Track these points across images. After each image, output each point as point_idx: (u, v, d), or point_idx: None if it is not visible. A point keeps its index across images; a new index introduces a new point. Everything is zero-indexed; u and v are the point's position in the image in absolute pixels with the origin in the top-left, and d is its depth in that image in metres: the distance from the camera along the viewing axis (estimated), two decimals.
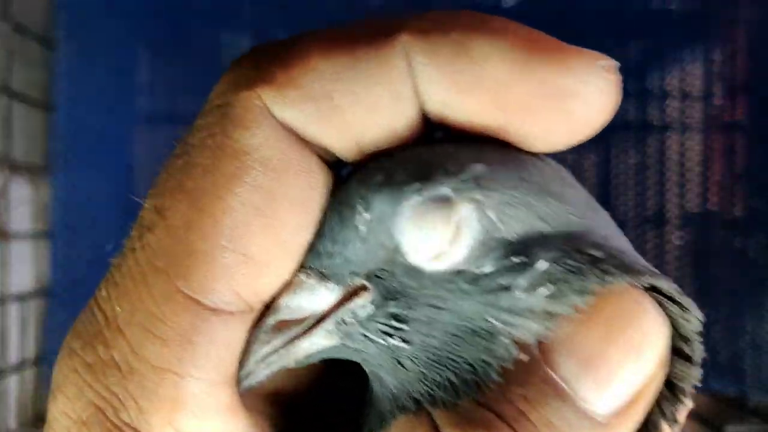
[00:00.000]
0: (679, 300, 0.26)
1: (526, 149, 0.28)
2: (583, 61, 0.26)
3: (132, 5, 0.85)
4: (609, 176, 0.88)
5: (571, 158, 0.85)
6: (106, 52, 0.86)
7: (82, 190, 0.86)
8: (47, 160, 0.91)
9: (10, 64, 0.85)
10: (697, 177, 0.88)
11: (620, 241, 0.28)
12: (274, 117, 0.27)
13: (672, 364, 0.26)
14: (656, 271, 0.27)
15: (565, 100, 0.26)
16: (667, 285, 0.26)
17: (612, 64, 0.27)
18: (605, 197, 0.89)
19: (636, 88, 0.89)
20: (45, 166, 0.91)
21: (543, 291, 0.26)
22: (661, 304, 0.26)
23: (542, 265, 0.26)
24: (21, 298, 0.89)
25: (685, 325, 0.26)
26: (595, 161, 0.88)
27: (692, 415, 0.86)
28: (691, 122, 0.88)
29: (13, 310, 0.88)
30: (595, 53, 0.27)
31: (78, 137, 0.86)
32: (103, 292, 0.27)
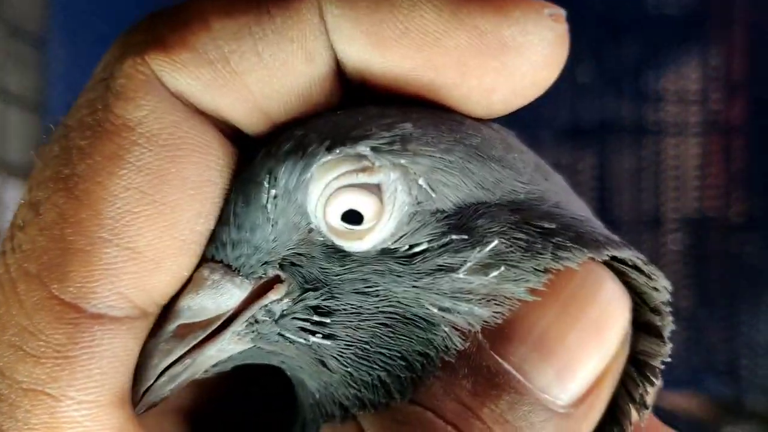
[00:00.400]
0: (644, 269, 0.23)
1: (464, 113, 0.24)
2: (527, 9, 0.23)
3: (126, 8, 0.85)
4: (605, 180, 0.88)
5: (566, 161, 0.85)
6: (100, 54, 0.85)
7: None
8: None
9: (4, 67, 0.85)
10: (693, 180, 0.87)
11: (575, 207, 0.25)
12: (164, 86, 0.23)
13: (638, 340, 0.24)
14: (616, 239, 0.24)
15: (506, 53, 0.23)
16: (629, 254, 0.23)
17: (560, 12, 0.23)
18: (601, 201, 0.89)
19: (632, 90, 0.87)
20: None
21: (491, 272, 0.22)
22: (623, 275, 0.23)
23: (489, 242, 0.22)
24: None
25: (653, 296, 0.24)
26: (590, 165, 0.88)
27: (688, 418, 0.86)
28: (688, 125, 0.88)
29: None
30: (540, 1, 0.23)
31: None
32: None
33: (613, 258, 0.23)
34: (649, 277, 0.23)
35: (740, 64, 0.89)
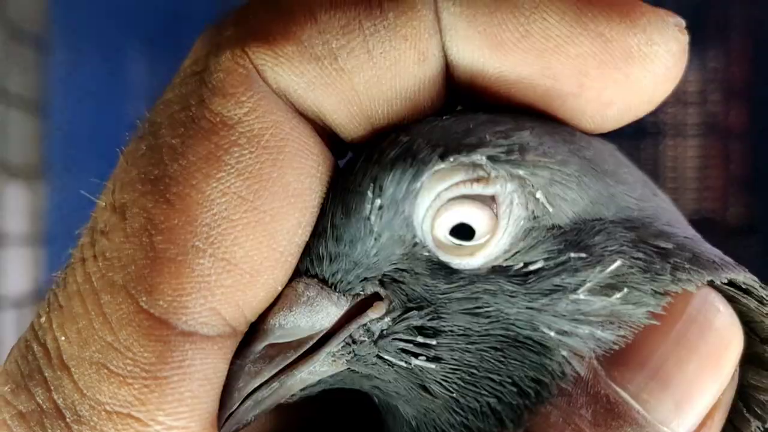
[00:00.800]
0: (756, 294, 0.22)
1: (574, 126, 0.23)
2: (654, 17, 0.21)
3: (126, 9, 0.85)
4: None
5: None
6: (100, 56, 0.85)
7: (78, 194, 0.86)
8: (43, 164, 0.91)
9: (5, 68, 0.85)
10: (692, 182, 0.87)
11: (685, 227, 0.23)
12: (265, 82, 0.21)
13: (745, 373, 0.22)
14: (730, 260, 0.22)
15: (630, 64, 0.21)
16: (744, 277, 0.22)
17: (683, 23, 0.22)
18: None
19: None
20: (41, 170, 0.90)
21: (614, 294, 0.21)
22: (733, 299, 0.22)
23: (612, 261, 0.21)
24: (17, 303, 0.88)
25: (765, 326, 0.22)
26: None
27: None
28: (687, 127, 0.87)
29: (10, 316, 0.87)
30: (664, 10, 0.22)
31: (73, 141, 0.86)
32: (42, 319, 0.21)
33: (729, 282, 0.22)
34: (761, 302, 0.22)
35: (739, 67, 0.89)
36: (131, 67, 0.88)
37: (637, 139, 0.87)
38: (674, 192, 0.86)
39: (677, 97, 0.88)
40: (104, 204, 0.21)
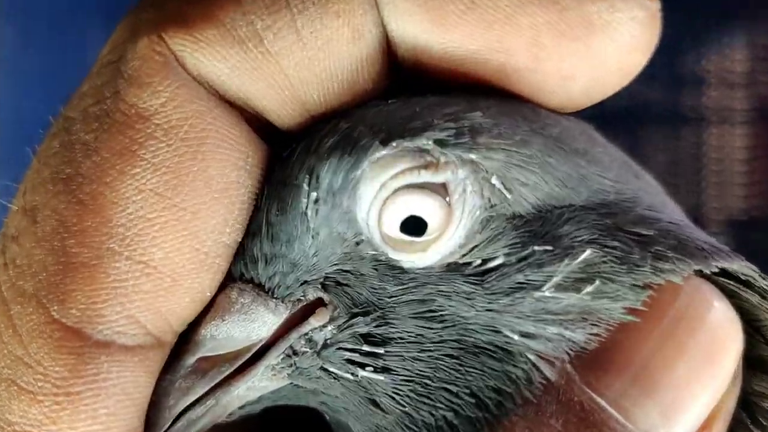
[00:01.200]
0: (758, 285, 0.20)
1: (537, 103, 0.21)
2: None
3: None
4: None
5: None
6: (54, 32, 0.79)
7: None
8: None
9: None
10: (739, 176, 0.80)
11: (670, 210, 0.22)
12: (185, 69, 0.22)
13: (749, 378, 0.21)
14: (723, 247, 0.21)
15: (590, 34, 0.21)
16: (739, 266, 0.20)
17: None
18: None
19: (666, 73, 0.80)
20: None
21: (584, 287, 0.21)
22: (729, 292, 0.21)
23: (580, 252, 0.20)
24: None
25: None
26: None
27: None
28: (733, 112, 0.80)
29: None
30: None
31: (24, 131, 0.80)
32: None
33: (722, 272, 0.21)
34: (763, 295, 0.21)
35: None
36: (89, 49, 0.82)
37: (675, 126, 0.80)
38: (719, 188, 0.80)
39: (721, 78, 0.81)
40: (16, 207, 0.22)
